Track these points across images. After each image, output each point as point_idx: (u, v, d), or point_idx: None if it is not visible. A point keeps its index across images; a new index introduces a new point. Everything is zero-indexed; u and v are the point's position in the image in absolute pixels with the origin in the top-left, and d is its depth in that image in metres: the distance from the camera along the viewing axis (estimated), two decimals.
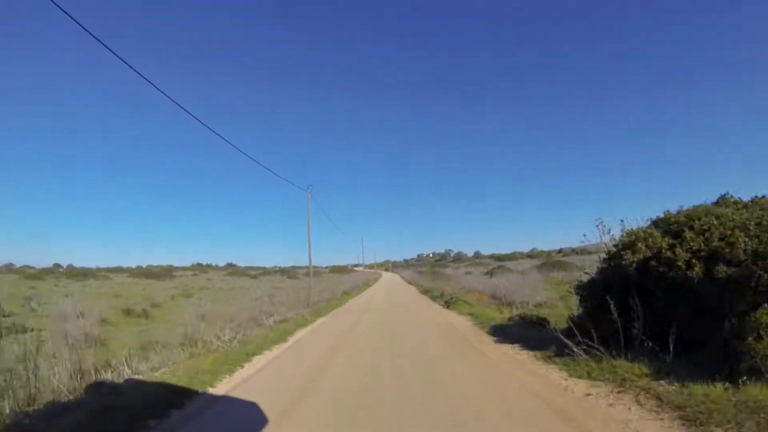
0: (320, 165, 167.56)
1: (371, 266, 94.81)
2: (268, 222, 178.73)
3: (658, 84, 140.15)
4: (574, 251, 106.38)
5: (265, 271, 76.54)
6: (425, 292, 23.61)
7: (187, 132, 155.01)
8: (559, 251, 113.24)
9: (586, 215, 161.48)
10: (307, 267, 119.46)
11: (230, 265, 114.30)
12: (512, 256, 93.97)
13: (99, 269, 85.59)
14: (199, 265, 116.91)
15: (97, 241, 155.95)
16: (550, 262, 34.20)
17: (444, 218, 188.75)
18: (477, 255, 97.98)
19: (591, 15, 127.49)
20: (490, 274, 32.53)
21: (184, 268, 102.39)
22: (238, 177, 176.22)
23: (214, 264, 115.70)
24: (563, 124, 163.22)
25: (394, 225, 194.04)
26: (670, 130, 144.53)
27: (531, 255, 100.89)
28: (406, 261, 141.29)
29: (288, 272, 78.59)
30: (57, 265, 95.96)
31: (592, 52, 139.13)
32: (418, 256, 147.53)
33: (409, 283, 40.78)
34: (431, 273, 41.13)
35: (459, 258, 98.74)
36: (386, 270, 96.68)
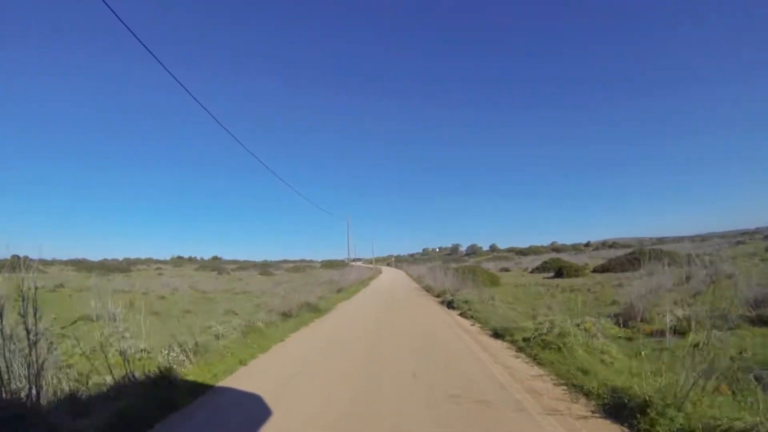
0: (327, 160, 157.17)
1: (369, 261, 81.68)
2: (255, 214, 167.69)
3: (661, 85, 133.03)
4: (605, 243, 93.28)
5: (241, 266, 64.44)
6: None
7: (183, 128, 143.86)
8: (587, 244, 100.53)
9: (588, 212, 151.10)
10: (299, 261, 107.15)
11: (215, 259, 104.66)
12: (536, 250, 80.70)
13: (54, 261, 74.54)
14: (180, 258, 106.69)
15: (81, 232, 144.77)
16: (641, 250, 21.12)
17: (449, 213, 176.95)
18: (494, 248, 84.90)
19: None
20: (556, 273, 19.46)
21: (158, 261, 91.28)
22: (235, 172, 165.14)
23: (198, 257, 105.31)
24: (569, 125, 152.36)
25: (397, 219, 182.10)
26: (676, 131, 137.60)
27: (555, 248, 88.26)
28: (411, 255, 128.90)
29: (271, 266, 66.46)
30: (15, 257, 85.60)
31: (590, 52, 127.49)
32: (424, 250, 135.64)
33: (446, 304, 14.25)
34: (458, 272, 18.55)
35: (473, 251, 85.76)
36: (388, 265, 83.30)
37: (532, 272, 25.21)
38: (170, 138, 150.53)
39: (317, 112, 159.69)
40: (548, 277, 20.20)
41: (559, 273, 19.06)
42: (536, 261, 45.38)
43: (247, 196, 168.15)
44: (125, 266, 60.23)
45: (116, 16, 6.60)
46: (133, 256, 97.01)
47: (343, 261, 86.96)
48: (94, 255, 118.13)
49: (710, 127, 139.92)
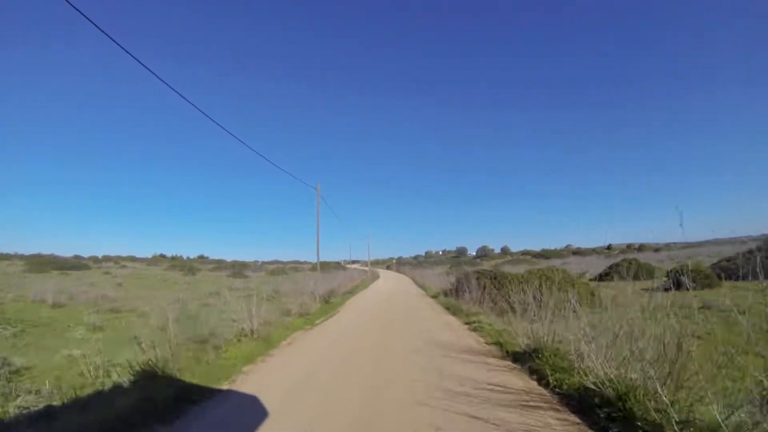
0: (326, 159, 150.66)
1: (365, 264, 72.87)
2: (251, 213, 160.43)
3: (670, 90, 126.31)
4: (629, 246, 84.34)
5: (219, 266, 56.43)
6: None
7: (177, 124, 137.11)
8: (608, 247, 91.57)
9: (594, 215, 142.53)
10: (292, 262, 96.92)
11: (200, 258, 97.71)
12: (554, 252, 71.81)
13: (15, 255, 67.49)
14: (162, 256, 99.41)
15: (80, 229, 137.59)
16: None
17: (452, 215, 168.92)
18: (506, 251, 76.29)
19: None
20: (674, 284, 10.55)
21: (137, 259, 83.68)
22: (230, 171, 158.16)
23: (185, 256, 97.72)
24: (574, 126, 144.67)
25: (398, 222, 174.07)
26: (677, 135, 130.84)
27: (574, 251, 79.44)
28: (415, 258, 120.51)
29: (252, 267, 58.28)
30: None
31: (595, 54, 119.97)
32: (426, 253, 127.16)
33: None
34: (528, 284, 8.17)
35: (484, 254, 77.18)
36: (387, 268, 74.53)
37: (596, 280, 16.77)
38: (166, 137, 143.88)
39: (316, 109, 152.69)
40: (650, 290, 12.14)
41: (678, 284, 10.92)
42: (567, 265, 37.26)
43: (241, 196, 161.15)
44: (83, 264, 52.37)
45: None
46: (116, 254, 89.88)
47: (338, 263, 76.10)
48: (78, 252, 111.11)
49: (710, 129, 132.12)
